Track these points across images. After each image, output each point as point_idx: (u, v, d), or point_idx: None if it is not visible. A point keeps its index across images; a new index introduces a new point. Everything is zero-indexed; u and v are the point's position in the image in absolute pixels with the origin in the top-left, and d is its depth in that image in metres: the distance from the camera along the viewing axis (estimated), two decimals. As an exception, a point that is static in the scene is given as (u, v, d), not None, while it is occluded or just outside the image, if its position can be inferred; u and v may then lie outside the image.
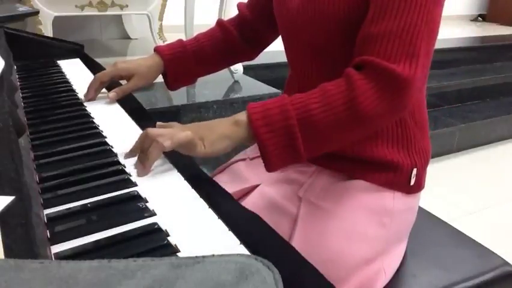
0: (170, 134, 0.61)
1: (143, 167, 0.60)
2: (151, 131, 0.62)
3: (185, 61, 0.94)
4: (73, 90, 0.93)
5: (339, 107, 0.62)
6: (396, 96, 0.63)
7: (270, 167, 0.64)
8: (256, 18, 0.96)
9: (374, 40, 0.64)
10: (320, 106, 0.62)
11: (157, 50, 0.94)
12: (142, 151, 0.62)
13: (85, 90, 0.89)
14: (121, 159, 0.64)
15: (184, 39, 0.98)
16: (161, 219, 0.49)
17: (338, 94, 0.63)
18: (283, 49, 0.86)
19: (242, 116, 0.64)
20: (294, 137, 0.62)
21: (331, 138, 0.65)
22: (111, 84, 0.92)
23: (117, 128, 0.76)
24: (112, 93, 0.89)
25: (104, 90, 0.92)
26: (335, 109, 0.62)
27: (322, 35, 0.72)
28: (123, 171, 0.60)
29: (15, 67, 1.04)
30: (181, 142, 0.60)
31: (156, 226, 0.48)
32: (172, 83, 0.96)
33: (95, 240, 0.45)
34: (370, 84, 0.63)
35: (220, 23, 0.99)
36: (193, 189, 0.57)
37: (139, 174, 0.60)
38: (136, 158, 0.64)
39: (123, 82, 0.92)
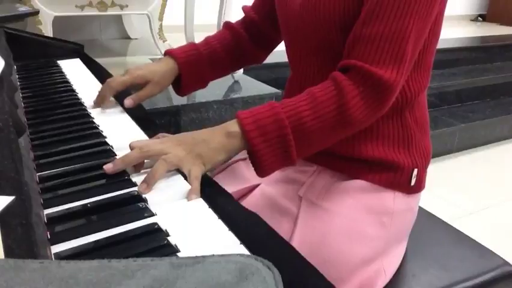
0: (178, 157, 0.59)
1: (148, 186, 0.56)
2: (152, 146, 0.60)
3: (199, 64, 0.90)
4: (73, 90, 0.93)
5: (330, 113, 0.64)
6: (381, 101, 0.65)
7: (263, 174, 0.65)
8: (262, 20, 0.94)
9: (364, 42, 0.65)
10: (311, 113, 0.63)
11: (170, 53, 0.88)
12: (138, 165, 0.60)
13: (85, 90, 0.89)
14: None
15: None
16: (161, 219, 0.49)
17: (327, 100, 0.64)
18: (284, 49, 0.85)
19: (234, 127, 0.63)
20: (289, 145, 0.63)
21: (321, 141, 0.66)
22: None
23: (117, 128, 0.76)
24: (128, 101, 0.83)
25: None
26: (326, 115, 0.64)
27: (323, 36, 0.72)
28: (123, 171, 0.60)
29: (15, 67, 1.04)
30: (198, 176, 0.58)
31: (156, 226, 0.48)
32: (184, 88, 0.91)
33: (95, 240, 0.45)
34: (358, 89, 0.64)
35: (229, 25, 0.96)
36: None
37: (142, 192, 0.55)
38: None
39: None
